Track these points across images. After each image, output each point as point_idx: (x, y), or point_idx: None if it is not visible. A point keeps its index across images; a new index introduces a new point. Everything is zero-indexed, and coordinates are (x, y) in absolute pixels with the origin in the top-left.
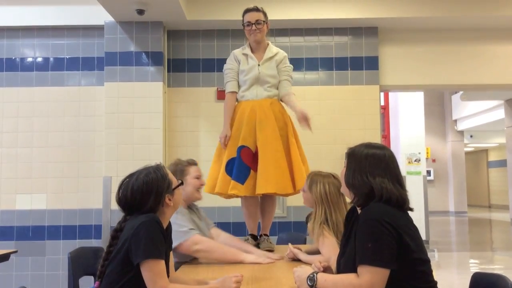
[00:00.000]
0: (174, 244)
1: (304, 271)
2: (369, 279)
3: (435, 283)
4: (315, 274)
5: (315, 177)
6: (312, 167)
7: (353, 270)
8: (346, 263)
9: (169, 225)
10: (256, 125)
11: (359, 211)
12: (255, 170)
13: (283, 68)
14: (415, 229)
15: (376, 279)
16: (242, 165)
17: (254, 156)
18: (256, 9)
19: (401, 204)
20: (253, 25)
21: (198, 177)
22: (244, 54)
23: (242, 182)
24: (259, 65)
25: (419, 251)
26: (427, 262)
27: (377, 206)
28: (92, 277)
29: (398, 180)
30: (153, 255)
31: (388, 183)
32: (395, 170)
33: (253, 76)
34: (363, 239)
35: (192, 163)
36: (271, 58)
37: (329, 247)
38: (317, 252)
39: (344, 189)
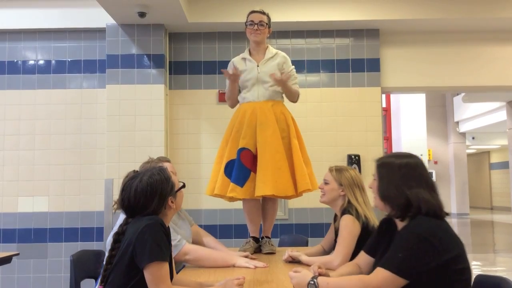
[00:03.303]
0: None
1: (302, 276)
2: (381, 281)
3: None
4: (315, 280)
5: (339, 167)
6: (314, 169)
7: None
8: None
9: (168, 227)
10: (257, 127)
11: (398, 223)
12: (256, 172)
13: (287, 70)
14: (457, 238)
15: (388, 284)
16: (241, 167)
17: (255, 158)
18: (261, 12)
19: (439, 213)
20: (256, 25)
21: (174, 173)
22: (242, 58)
23: (241, 185)
24: (258, 65)
25: (463, 260)
26: (469, 270)
27: (425, 222)
28: (93, 280)
29: (432, 187)
30: (158, 257)
31: (425, 192)
32: (428, 177)
33: (253, 76)
34: (396, 248)
35: (164, 160)
36: (270, 58)
37: (343, 251)
38: (318, 255)
39: (378, 202)
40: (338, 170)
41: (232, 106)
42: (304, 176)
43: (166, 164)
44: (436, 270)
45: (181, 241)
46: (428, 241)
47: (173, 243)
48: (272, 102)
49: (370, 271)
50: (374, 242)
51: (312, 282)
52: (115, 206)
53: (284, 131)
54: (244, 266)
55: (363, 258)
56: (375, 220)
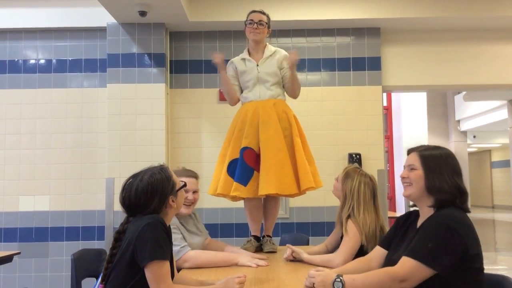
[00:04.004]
0: None
1: (326, 274)
2: (409, 270)
3: None
4: (341, 278)
5: (352, 172)
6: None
7: None
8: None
9: (169, 226)
10: (259, 126)
11: (422, 215)
12: (259, 171)
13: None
14: (477, 237)
15: (416, 273)
16: (245, 166)
17: (258, 157)
18: (261, 12)
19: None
20: (255, 24)
21: (196, 191)
22: (242, 59)
23: (245, 184)
24: (257, 65)
25: (480, 262)
26: (482, 273)
27: (454, 213)
28: (94, 279)
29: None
30: (158, 256)
31: (463, 183)
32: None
33: (253, 76)
34: (425, 238)
35: (191, 175)
36: (269, 56)
37: (347, 251)
38: (320, 254)
39: (416, 192)
40: (345, 175)
41: (233, 102)
42: (307, 174)
43: (187, 179)
44: (459, 264)
45: (184, 248)
46: (457, 233)
47: (175, 248)
48: (274, 101)
49: (381, 264)
50: (390, 236)
51: (339, 280)
52: None
53: (286, 129)
54: (246, 265)
55: (377, 251)
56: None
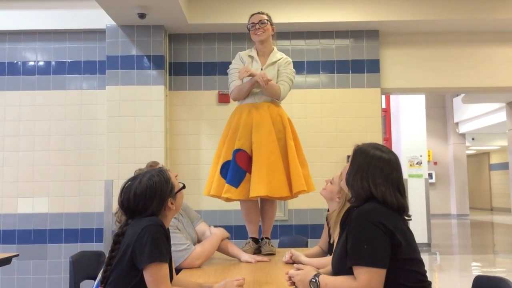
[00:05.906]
0: (176, 265)
1: (305, 273)
2: (367, 281)
3: (428, 283)
4: (317, 278)
5: None
6: (313, 170)
7: (343, 268)
8: (338, 262)
9: (168, 228)
10: (253, 128)
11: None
12: (251, 173)
13: (283, 71)
14: (408, 229)
15: (373, 280)
16: (237, 168)
17: (250, 159)
18: (260, 12)
19: (400, 212)
20: (257, 25)
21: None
22: (250, 56)
23: (236, 186)
24: (262, 69)
25: (411, 251)
26: (419, 262)
27: (371, 205)
28: (93, 281)
29: (398, 188)
30: (157, 259)
31: (389, 192)
32: (397, 178)
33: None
34: (357, 240)
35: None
36: (274, 63)
37: None
38: (317, 255)
39: (344, 184)
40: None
41: (239, 99)
42: (299, 177)
43: (158, 165)
44: (391, 253)
45: (190, 247)
46: (379, 222)
47: (180, 248)
48: (268, 104)
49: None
50: (340, 236)
51: (314, 280)
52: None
53: (280, 132)
54: (247, 261)
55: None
56: None
